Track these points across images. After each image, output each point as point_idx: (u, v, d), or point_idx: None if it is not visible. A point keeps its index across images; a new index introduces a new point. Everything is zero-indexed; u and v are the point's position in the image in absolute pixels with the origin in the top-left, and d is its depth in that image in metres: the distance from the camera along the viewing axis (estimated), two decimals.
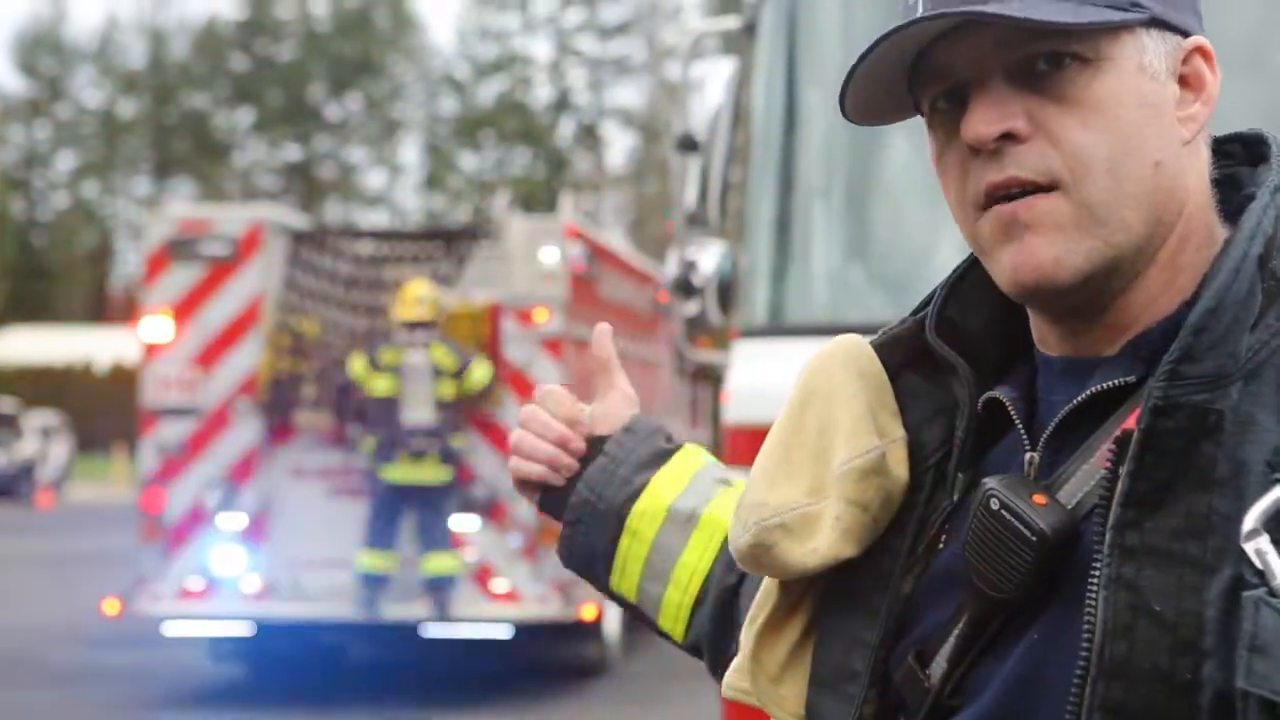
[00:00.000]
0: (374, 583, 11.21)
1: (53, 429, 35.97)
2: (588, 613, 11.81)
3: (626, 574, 1.82)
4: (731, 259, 5.61)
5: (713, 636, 1.77)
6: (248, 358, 11.57)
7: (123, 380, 42.46)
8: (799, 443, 1.45)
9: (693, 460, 1.85)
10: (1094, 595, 1.26)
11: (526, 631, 11.56)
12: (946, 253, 5.30)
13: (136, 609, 11.52)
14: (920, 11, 1.33)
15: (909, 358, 1.46)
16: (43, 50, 65.63)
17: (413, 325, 11.25)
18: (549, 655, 12.57)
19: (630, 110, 64.88)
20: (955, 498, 1.42)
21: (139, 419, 11.81)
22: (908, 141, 5.24)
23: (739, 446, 5.27)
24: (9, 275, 56.24)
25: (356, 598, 11.23)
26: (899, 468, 1.42)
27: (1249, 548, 1.21)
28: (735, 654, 1.57)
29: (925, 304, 1.49)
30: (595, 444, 1.84)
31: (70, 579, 19.04)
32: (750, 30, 5.66)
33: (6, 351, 47.80)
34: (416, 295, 11.29)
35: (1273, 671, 1.18)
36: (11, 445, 34.25)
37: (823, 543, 1.41)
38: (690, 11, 62.70)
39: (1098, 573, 1.26)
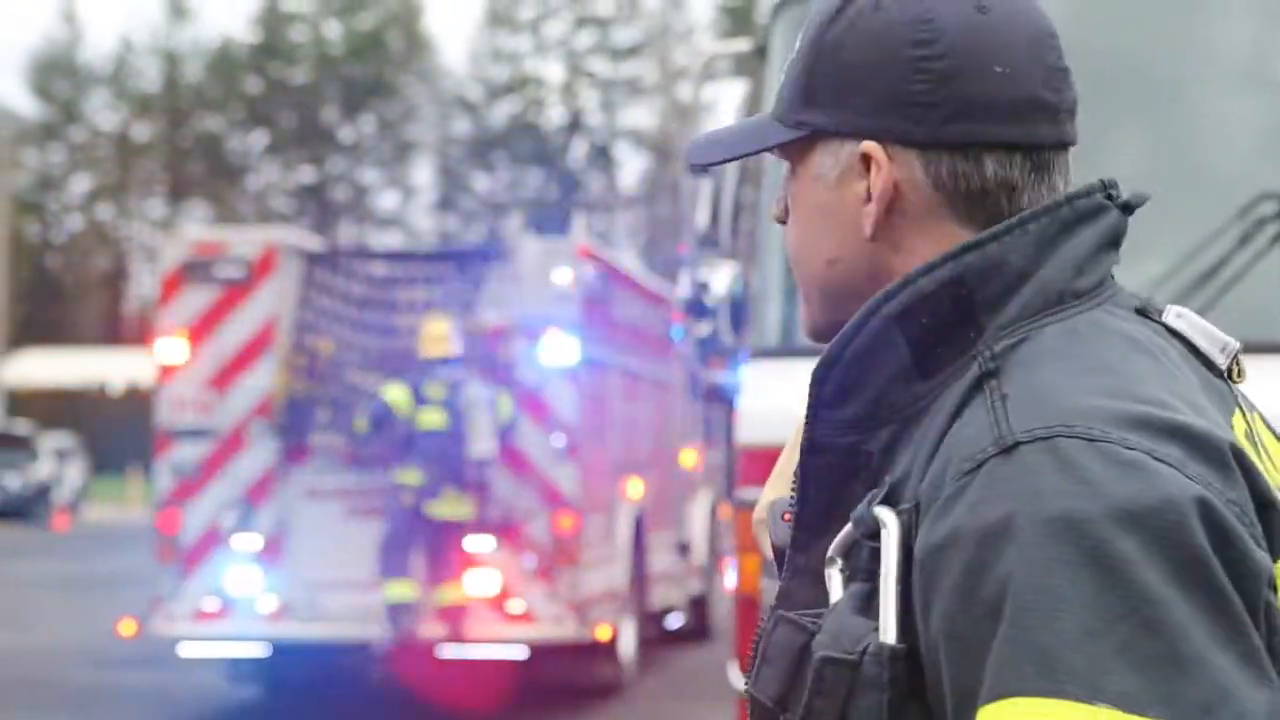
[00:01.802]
0: (405, 610, 11.17)
1: (68, 451, 36.04)
2: (603, 633, 11.82)
3: None
4: (743, 280, 5.63)
5: None
6: (263, 379, 11.60)
7: (138, 402, 42.56)
8: (792, 452, 1.60)
9: None
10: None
11: (542, 652, 11.56)
12: None
13: (152, 630, 11.54)
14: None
15: None
16: (57, 73, 65.86)
17: (445, 361, 11.24)
18: (564, 676, 12.58)
19: (642, 131, 64.96)
20: None
21: (154, 440, 11.84)
22: None
23: (751, 467, 5.29)
24: (24, 298, 56.38)
25: (388, 627, 11.17)
26: None
27: (827, 574, 1.36)
28: None
29: None
30: None
31: (86, 600, 19.08)
32: (761, 52, 5.69)
33: (21, 374, 47.92)
34: (441, 331, 11.28)
35: (770, 680, 1.36)
36: (27, 467, 34.31)
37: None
38: (702, 33, 62.84)
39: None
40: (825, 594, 1.35)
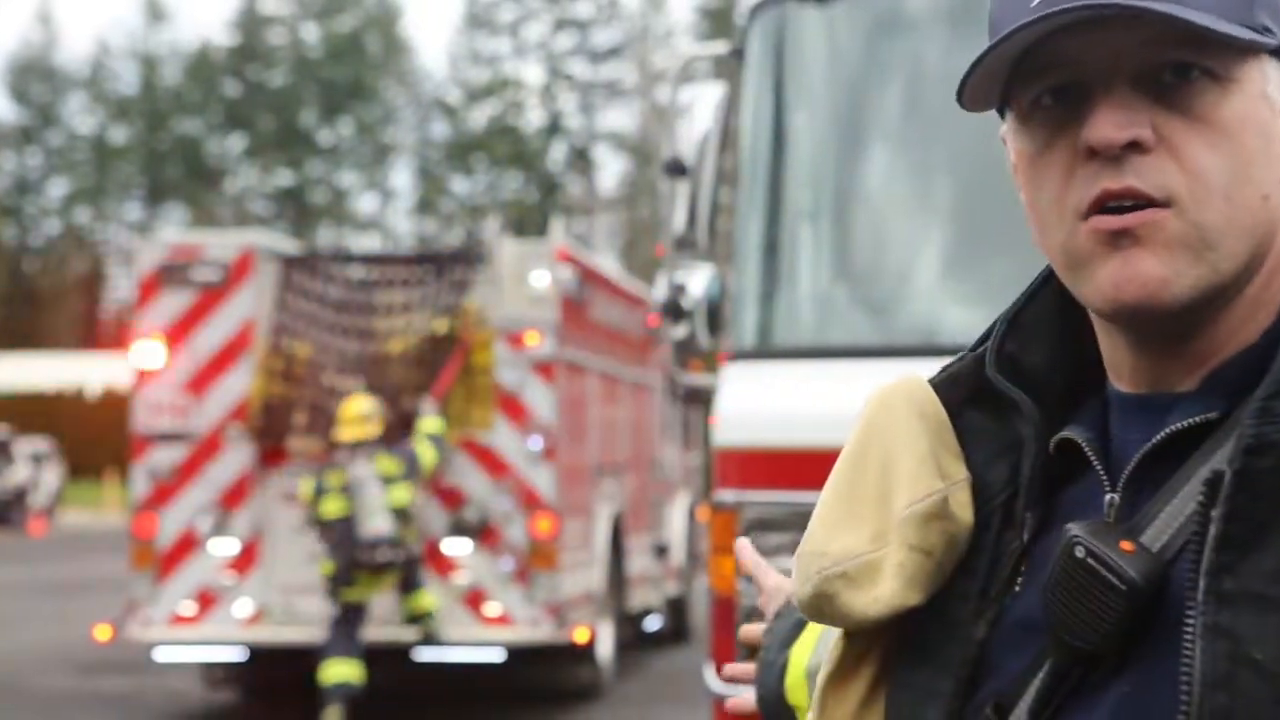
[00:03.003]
0: (347, 692, 10.72)
1: (44, 455, 35.92)
2: (580, 636, 11.80)
3: None
4: (720, 282, 5.62)
5: None
6: (239, 383, 11.57)
7: (114, 406, 42.36)
8: (861, 488, 1.40)
9: None
10: (1190, 645, 1.20)
11: (519, 655, 11.55)
12: (933, 275, 5.32)
13: (128, 635, 11.51)
14: None
15: (970, 395, 1.42)
16: (34, 77, 65.67)
17: (361, 444, 10.89)
18: (541, 679, 12.57)
19: (622, 134, 65.02)
20: (1025, 538, 1.36)
21: (130, 445, 11.81)
22: (894, 164, 5.26)
23: (729, 469, 5.28)
24: (0, 302, 56.19)
25: (333, 705, 10.71)
26: (963, 510, 1.38)
27: None
28: None
29: (983, 340, 1.44)
30: None
31: (62, 605, 19.02)
32: (739, 55, 5.69)
33: None
34: (359, 413, 10.95)
35: None
36: (3, 472, 34.21)
37: (885, 591, 1.36)
38: (681, 36, 62.90)
39: (1193, 621, 1.20)
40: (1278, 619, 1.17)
